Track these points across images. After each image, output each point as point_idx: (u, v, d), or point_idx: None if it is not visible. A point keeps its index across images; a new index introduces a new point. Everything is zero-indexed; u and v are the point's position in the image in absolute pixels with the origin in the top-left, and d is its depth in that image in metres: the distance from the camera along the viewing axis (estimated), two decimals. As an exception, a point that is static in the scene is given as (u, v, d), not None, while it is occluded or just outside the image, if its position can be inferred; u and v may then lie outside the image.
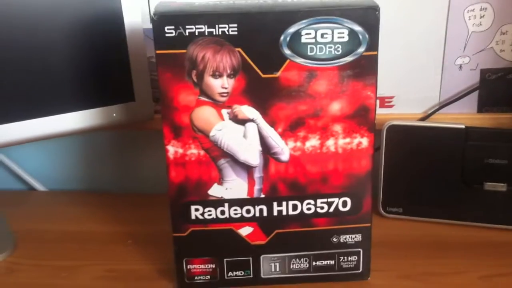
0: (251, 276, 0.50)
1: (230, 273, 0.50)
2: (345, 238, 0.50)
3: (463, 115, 0.72)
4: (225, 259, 0.49)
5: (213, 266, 0.49)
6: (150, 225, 0.72)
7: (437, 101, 0.71)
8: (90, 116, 0.66)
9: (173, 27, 0.40)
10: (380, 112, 0.73)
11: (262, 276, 0.50)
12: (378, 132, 0.66)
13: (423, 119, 0.71)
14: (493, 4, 0.63)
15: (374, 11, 0.42)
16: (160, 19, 0.40)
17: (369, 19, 0.42)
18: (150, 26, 0.52)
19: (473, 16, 0.64)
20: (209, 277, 0.50)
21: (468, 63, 0.68)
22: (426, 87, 0.72)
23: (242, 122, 0.44)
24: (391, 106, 0.73)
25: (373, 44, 0.43)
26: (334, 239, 0.50)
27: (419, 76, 0.70)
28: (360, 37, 0.43)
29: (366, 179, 0.47)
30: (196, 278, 0.50)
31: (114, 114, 0.67)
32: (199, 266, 0.49)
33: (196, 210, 0.47)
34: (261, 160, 0.46)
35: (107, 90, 0.67)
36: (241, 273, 0.50)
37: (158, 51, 0.42)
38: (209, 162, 0.46)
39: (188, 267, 0.50)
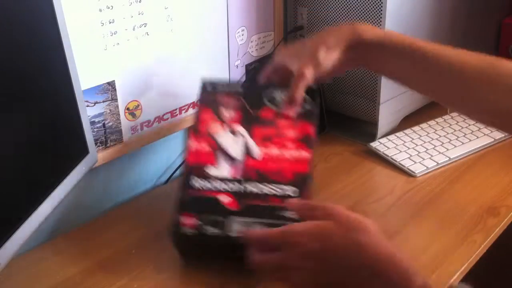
0: (226, 234, 0.65)
1: (210, 229, 0.65)
2: (289, 214, 0.65)
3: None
4: (208, 218, 0.66)
5: (200, 223, 0.65)
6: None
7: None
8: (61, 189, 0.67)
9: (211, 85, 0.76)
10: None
11: (230, 234, 0.65)
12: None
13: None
14: (247, 25, 1.06)
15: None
16: (204, 83, 0.77)
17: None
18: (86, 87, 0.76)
19: (240, 34, 1.06)
20: (194, 230, 0.65)
21: (240, 63, 1.09)
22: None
23: (235, 134, 0.72)
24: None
25: (317, 105, 0.74)
26: (281, 213, 0.65)
27: (213, 75, 1.01)
28: (308, 98, 0.73)
29: (306, 177, 0.69)
30: (184, 229, 0.65)
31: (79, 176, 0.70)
32: (189, 220, 0.65)
33: (195, 181, 0.68)
34: (242, 157, 0.70)
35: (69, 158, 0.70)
36: (218, 230, 0.65)
37: (201, 94, 0.76)
38: (210, 151, 0.70)
39: (181, 219, 0.66)
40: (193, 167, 0.69)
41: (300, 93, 0.70)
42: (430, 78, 0.71)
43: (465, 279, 0.72)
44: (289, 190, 0.68)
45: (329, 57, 0.71)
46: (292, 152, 0.70)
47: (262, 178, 0.69)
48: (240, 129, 0.72)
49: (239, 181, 0.69)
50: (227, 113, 0.73)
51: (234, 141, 0.71)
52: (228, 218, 0.66)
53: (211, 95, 0.75)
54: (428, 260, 0.73)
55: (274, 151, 0.70)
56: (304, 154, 0.70)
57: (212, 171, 0.69)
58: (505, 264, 1.00)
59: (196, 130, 0.72)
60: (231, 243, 0.65)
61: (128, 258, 0.76)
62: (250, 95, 0.74)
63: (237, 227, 0.65)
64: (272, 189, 0.68)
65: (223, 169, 0.69)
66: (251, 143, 0.71)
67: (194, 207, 0.67)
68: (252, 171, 0.69)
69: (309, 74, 0.70)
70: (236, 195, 0.68)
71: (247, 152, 0.71)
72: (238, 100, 0.74)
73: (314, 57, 0.70)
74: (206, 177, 0.69)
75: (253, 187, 0.68)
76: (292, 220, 0.64)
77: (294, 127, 0.72)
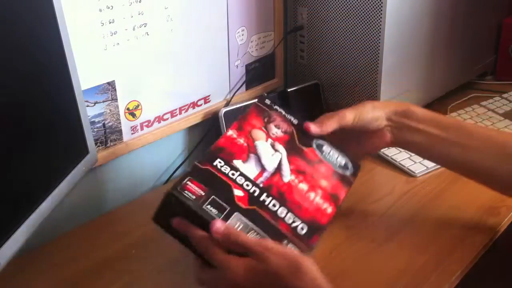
0: (217, 219, 0.60)
1: (208, 207, 0.61)
2: (289, 245, 0.62)
3: (246, 94, 1.09)
4: (213, 196, 0.61)
5: (202, 194, 0.61)
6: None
7: (229, 89, 1.06)
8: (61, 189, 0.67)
9: (273, 104, 0.74)
10: (206, 106, 1.05)
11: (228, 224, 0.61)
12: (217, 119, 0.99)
13: (228, 102, 1.06)
14: (247, 25, 1.06)
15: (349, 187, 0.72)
16: (262, 99, 0.75)
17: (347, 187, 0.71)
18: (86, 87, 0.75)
19: (240, 34, 1.05)
20: (194, 197, 0.60)
21: (240, 63, 1.09)
22: (221, 82, 1.05)
23: (274, 150, 0.69)
24: (209, 101, 1.06)
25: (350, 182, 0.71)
26: (284, 241, 0.62)
27: (213, 75, 1.02)
28: (348, 167, 0.71)
29: (320, 228, 0.65)
30: (185, 192, 0.61)
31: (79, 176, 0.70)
32: (193, 186, 0.61)
33: (219, 162, 0.65)
34: (272, 170, 0.67)
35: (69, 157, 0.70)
36: (215, 212, 0.61)
37: (258, 102, 0.74)
38: (246, 149, 0.68)
39: (187, 182, 0.61)
40: (223, 150, 0.66)
41: (330, 124, 0.72)
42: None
43: (465, 279, 0.72)
44: (300, 225, 0.64)
45: (373, 113, 0.74)
46: (319, 200, 0.68)
47: (282, 200, 0.65)
48: (281, 148, 0.70)
49: (259, 187, 0.65)
50: (275, 131, 0.72)
51: (271, 154, 0.69)
52: (233, 210, 0.62)
53: (267, 108, 0.74)
54: (428, 260, 0.73)
55: (302, 186, 0.68)
56: (329, 208, 0.68)
57: (238, 163, 0.66)
58: (505, 264, 1.01)
59: (240, 126, 0.70)
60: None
61: (128, 258, 0.76)
62: (303, 131, 0.73)
63: (234, 222, 0.61)
64: (286, 215, 0.64)
65: (249, 169, 0.66)
66: (286, 165, 0.69)
67: (206, 180, 0.63)
68: (276, 188, 0.66)
69: (349, 116, 0.73)
70: (250, 196, 0.64)
71: (279, 169, 0.68)
72: (289, 128, 0.73)
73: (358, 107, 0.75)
74: (231, 165, 0.65)
75: (269, 201, 0.65)
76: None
77: (329, 180, 0.70)
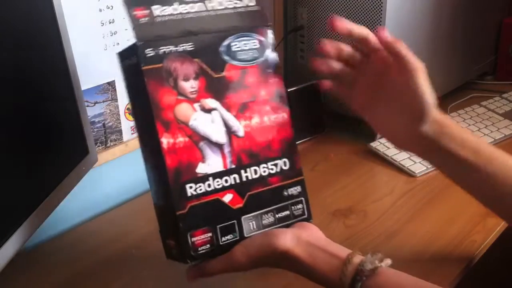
0: (238, 237, 0.59)
1: (223, 238, 0.58)
2: (291, 191, 0.62)
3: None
4: (217, 226, 0.58)
5: (210, 235, 0.57)
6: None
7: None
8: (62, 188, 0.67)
9: (152, 49, 0.56)
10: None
11: (245, 235, 0.59)
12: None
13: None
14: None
15: (268, 26, 0.63)
16: (143, 45, 0.56)
17: (266, 32, 0.62)
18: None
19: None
20: (209, 245, 0.57)
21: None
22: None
23: (209, 111, 0.59)
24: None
25: (273, 48, 0.62)
26: (285, 193, 0.61)
27: None
28: (264, 44, 0.62)
29: (292, 142, 0.62)
30: (199, 249, 0.57)
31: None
32: (200, 237, 0.57)
33: (190, 187, 0.57)
34: (227, 138, 0.59)
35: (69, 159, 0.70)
36: (230, 236, 0.58)
37: (144, 67, 0.56)
38: (193, 145, 0.57)
39: (192, 239, 0.57)
40: (180, 172, 0.57)
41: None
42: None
43: (465, 279, 0.72)
44: (281, 163, 0.62)
45: None
46: (272, 117, 0.62)
47: (254, 158, 0.61)
48: (211, 101, 0.59)
49: (233, 171, 0.60)
50: (190, 85, 0.58)
51: (211, 120, 0.59)
52: (238, 218, 0.59)
53: (157, 62, 0.57)
54: (428, 260, 0.73)
55: (254, 120, 0.61)
56: (283, 115, 0.63)
57: (201, 168, 0.58)
58: (505, 264, 1.00)
59: (164, 123, 0.56)
60: None
61: (128, 258, 0.76)
62: (204, 52, 0.59)
63: (248, 226, 0.60)
64: (267, 167, 0.61)
65: (213, 163, 0.59)
66: (229, 117, 0.60)
67: (200, 220, 0.57)
68: (242, 153, 0.60)
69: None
70: (236, 188, 0.60)
71: (228, 130, 0.60)
72: (194, 64, 0.59)
73: None
74: (200, 179, 0.57)
75: (249, 173, 0.60)
76: (297, 196, 0.63)
77: (264, 84, 0.62)
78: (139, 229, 0.82)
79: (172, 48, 0.58)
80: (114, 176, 0.93)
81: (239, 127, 0.61)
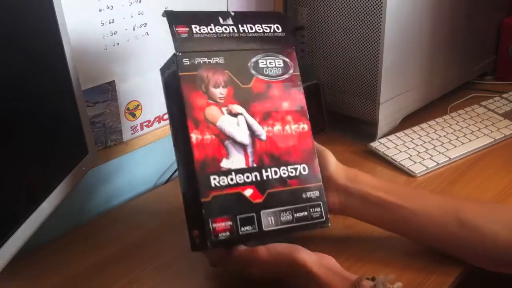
0: (257, 230, 0.63)
1: (242, 229, 0.63)
2: (310, 194, 0.67)
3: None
4: (238, 217, 0.63)
5: (231, 223, 0.62)
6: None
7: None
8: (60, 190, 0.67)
9: (188, 59, 0.66)
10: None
11: (264, 229, 0.64)
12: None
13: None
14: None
15: (292, 49, 0.72)
16: (181, 55, 0.66)
17: (291, 55, 0.72)
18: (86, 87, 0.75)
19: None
20: (228, 233, 0.62)
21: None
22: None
23: (235, 115, 0.67)
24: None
25: (296, 68, 0.71)
26: (304, 195, 0.67)
27: None
28: (289, 64, 0.71)
29: (312, 151, 0.69)
30: (220, 235, 0.62)
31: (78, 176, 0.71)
32: (220, 224, 0.62)
33: (214, 179, 0.63)
34: (250, 140, 0.66)
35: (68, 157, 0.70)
36: (249, 227, 0.63)
37: (180, 73, 0.65)
38: (218, 143, 0.65)
39: (213, 225, 0.62)
40: (205, 163, 0.63)
41: None
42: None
43: (465, 279, 0.72)
44: (301, 168, 0.68)
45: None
46: (293, 127, 0.69)
47: (276, 161, 0.67)
48: (238, 108, 0.67)
49: (255, 169, 0.66)
50: (219, 92, 0.67)
51: (236, 123, 0.67)
52: (257, 212, 0.64)
53: (192, 70, 0.66)
54: (428, 260, 0.73)
55: (276, 128, 0.69)
56: (303, 126, 0.70)
57: (225, 163, 0.65)
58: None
59: (194, 120, 0.64)
60: (264, 239, 0.64)
61: (128, 258, 0.76)
62: (234, 65, 0.68)
63: (266, 220, 0.64)
64: (287, 170, 0.67)
65: (236, 160, 0.65)
66: (253, 122, 0.68)
67: (221, 208, 0.63)
68: (264, 154, 0.67)
69: None
70: (257, 185, 0.65)
71: (252, 133, 0.67)
72: (224, 74, 0.67)
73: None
74: (223, 172, 0.64)
75: (270, 173, 0.66)
76: (315, 200, 0.68)
77: (287, 97, 0.70)
78: (139, 229, 0.82)
79: (205, 59, 0.67)
80: (114, 176, 0.93)
81: (262, 132, 0.68)
